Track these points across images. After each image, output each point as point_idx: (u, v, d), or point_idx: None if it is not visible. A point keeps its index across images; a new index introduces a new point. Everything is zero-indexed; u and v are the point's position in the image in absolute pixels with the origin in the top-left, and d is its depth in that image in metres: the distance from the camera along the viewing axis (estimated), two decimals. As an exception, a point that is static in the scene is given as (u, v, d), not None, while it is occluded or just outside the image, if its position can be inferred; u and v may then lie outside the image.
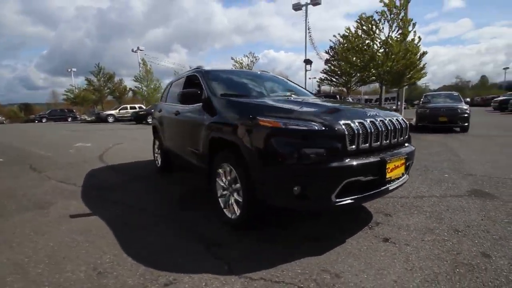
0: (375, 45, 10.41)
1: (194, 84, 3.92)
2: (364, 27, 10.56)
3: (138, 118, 19.84)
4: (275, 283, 1.66)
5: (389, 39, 10.05)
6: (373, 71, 10.90)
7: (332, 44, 17.27)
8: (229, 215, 2.43)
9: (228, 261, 1.89)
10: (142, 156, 6.06)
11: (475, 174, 3.90)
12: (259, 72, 4.03)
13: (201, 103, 2.93)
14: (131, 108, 24.36)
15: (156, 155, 4.87)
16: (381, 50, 10.40)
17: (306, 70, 20.48)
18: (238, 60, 22.99)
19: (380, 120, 2.13)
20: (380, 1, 9.72)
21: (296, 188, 1.87)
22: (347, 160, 1.88)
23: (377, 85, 17.57)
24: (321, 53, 17.92)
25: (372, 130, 2.02)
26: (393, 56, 9.91)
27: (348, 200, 1.93)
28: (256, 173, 2.01)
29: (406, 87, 13.58)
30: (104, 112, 25.04)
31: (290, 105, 2.33)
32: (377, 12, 9.86)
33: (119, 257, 2.01)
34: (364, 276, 1.70)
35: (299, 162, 1.84)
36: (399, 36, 9.86)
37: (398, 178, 2.27)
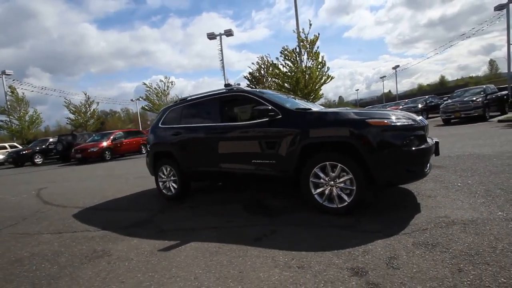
0: (298, 72, 12.72)
1: (232, 102, 4.16)
2: (289, 58, 12.83)
3: (19, 159, 16.19)
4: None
5: (307, 68, 12.55)
6: (299, 93, 13.14)
7: (250, 70, 19.32)
8: (333, 205, 2.89)
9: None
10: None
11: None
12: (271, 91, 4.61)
13: (267, 118, 3.29)
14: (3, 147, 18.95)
15: (165, 183, 4.48)
16: (301, 75, 12.80)
17: (227, 94, 21.74)
18: (149, 84, 21.91)
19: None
20: (298, 38, 12.21)
21: (406, 166, 2.61)
22: (428, 143, 2.78)
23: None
24: (230, 80, 19.61)
25: (427, 123, 3.04)
26: (311, 80, 12.38)
27: (428, 170, 2.82)
28: (376, 161, 2.63)
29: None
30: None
31: (363, 111, 3.09)
32: (297, 47, 12.34)
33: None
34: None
35: (408, 147, 2.60)
36: (313, 64, 12.50)
37: None
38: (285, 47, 13.03)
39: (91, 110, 27.64)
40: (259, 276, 1.94)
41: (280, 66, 13.31)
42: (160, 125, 4.71)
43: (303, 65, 12.65)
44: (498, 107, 13.07)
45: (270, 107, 3.29)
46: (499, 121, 10.45)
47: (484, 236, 2.10)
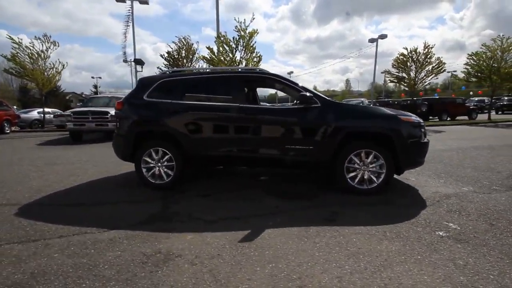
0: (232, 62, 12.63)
1: (255, 83, 3.96)
2: (225, 45, 12.48)
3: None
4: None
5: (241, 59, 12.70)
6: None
7: (169, 50, 17.37)
8: (363, 187, 3.34)
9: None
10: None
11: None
12: None
13: (308, 105, 3.40)
14: None
15: (152, 170, 3.70)
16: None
17: (136, 71, 18.70)
18: (18, 41, 16.13)
19: None
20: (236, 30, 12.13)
21: (420, 154, 3.37)
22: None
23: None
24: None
25: None
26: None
27: None
28: (405, 150, 3.23)
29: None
30: None
31: (377, 107, 3.67)
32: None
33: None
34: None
35: (422, 139, 3.35)
36: (246, 58, 12.74)
37: None
38: (223, 34, 12.66)
39: None
40: (378, 248, 2.12)
41: (216, 52, 12.81)
42: (145, 98, 3.81)
43: (237, 57, 12.72)
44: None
45: (310, 95, 3.37)
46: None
47: (476, 203, 3.06)
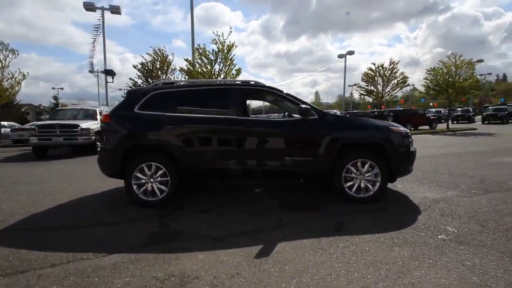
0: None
1: (251, 96, 3.97)
2: (203, 57, 12.42)
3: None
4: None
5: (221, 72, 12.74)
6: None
7: (143, 61, 16.82)
8: (360, 195, 3.44)
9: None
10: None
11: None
12: None
13: (300, 117, 3.48)
14: None
15: (144, 186, 3.49)
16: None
17: (107, 82, 17.76)
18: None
19: None
20: (214, 42, 12.21)
21: (409, 162, 3.57)
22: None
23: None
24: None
25: None
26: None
27: None
28: (397, 159, 3.41)
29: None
30: None
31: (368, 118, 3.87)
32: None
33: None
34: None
35: (410, 148, 3.57)
36: (225, 71, 12.79)
37: None
38: (200, 46, 12.61)
39: None
40: (391, 255, 2.17)
41: (197, 65, 12.66)
42: (136, 110, 3.64)
43: (216, 69, 12.71)
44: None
45: (310, 107, 3.46)
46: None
47: (462, 206, 3.30)
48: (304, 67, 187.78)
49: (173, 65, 17.17)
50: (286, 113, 4.31)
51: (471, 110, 27.16)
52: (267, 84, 3.84)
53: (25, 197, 4.05)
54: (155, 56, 16.80)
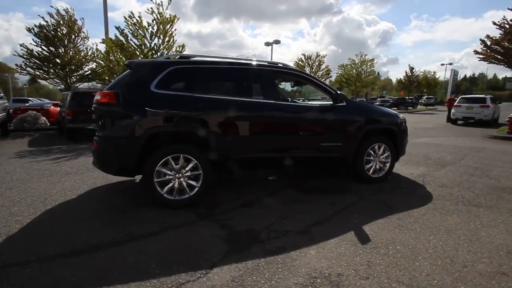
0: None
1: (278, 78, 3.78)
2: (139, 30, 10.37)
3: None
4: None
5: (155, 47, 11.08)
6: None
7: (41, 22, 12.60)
8: (375, 176, 3.89)
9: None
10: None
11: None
12: None
13: (331, 102, 3.60)
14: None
15: (171, 184, 2.88)
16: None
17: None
18: None
19: None
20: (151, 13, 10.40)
21: (405, 145, 4.25)
22: None
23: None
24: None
25: None
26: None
27: None
28: (401, 142, 3.98)
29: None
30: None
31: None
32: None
33: None
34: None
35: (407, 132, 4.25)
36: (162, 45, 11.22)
37: None
38: (131, 14, 10.39)
39: None
40: (452, 221, 2.62)
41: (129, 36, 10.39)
42: (154, 89, 2.88)
43: (151, 44, 10.91)
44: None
45: (340, 93, 3.56)
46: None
47: (442, 178, 4.20)
48: (217, 50, 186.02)
49: (84, 32, 13.88)
50: (302, 99, 4.31)
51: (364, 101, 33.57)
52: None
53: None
54: (60, 19, 13.13)
